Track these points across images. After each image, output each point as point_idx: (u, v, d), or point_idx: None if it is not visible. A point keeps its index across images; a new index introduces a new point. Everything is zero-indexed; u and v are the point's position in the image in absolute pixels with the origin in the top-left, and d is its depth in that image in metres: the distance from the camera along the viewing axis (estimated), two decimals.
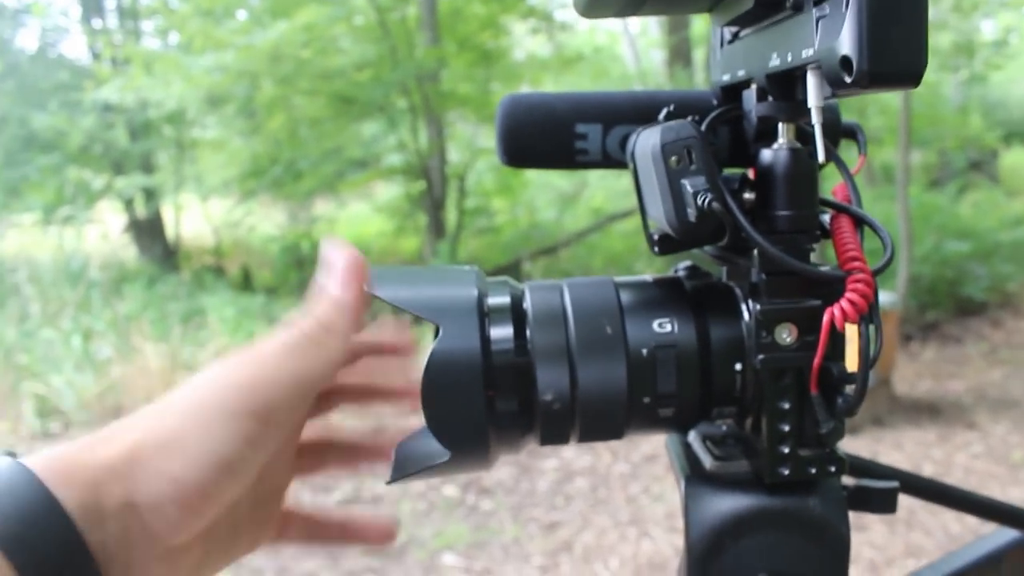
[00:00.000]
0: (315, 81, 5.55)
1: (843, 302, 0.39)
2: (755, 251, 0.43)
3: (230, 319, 5.28)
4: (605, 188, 7.81)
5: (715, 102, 0.49)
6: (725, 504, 0.45)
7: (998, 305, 5.73)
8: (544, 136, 0.49)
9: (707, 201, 0.39)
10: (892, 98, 5.41)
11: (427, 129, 6.05)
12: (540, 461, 3.53)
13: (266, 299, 6.05)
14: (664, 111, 0.47)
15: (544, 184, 7.67)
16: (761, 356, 0.43)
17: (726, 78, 0.47)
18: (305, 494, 3.06)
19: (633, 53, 8.86)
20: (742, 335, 0.45)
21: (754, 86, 0.44)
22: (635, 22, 9.41)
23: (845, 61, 0.33)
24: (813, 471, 0.44)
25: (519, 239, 6.99)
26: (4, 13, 8.63)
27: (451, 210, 6.41)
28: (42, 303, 5.53)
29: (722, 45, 0.48)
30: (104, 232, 8.25)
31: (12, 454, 0.35)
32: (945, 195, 7.39)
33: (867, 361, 0.40)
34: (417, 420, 0.44)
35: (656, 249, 0.46)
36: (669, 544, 2.81)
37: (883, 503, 0.52)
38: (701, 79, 6.24)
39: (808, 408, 0.43)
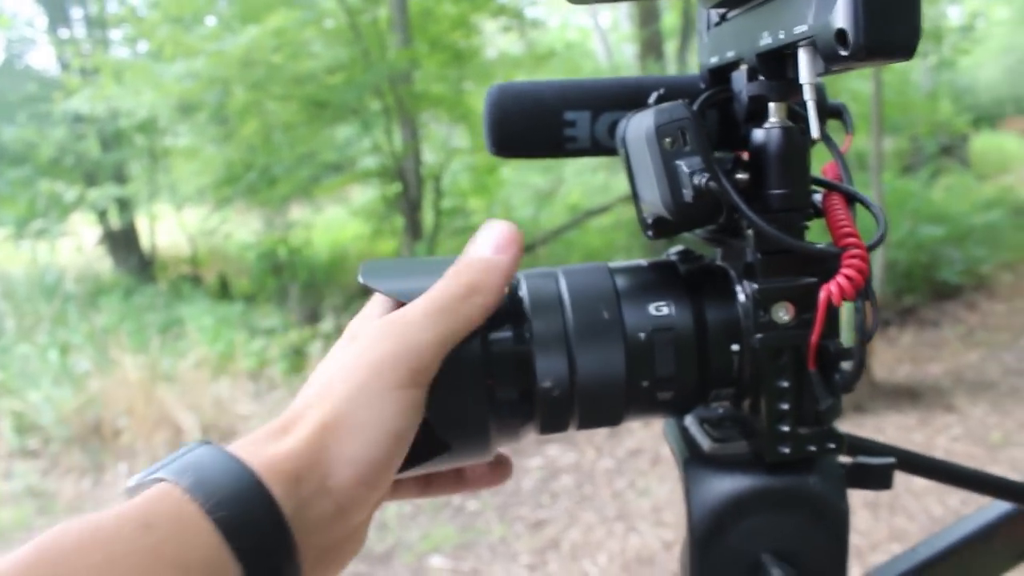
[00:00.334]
0: (287, 86, 5.51)
1: (839, 278, 0.39)
2: (749, 231, 0.43)
3: (209, 328, 5.24)
4: (581, 184, 7.82)
5: (703, 85, 0.49)
6: (725, 485, 0.46)
7: (973, 288, 5.79)
8: (533, 125, 0.49)
9: (704, 181, 0.39)
10: (863, 85, 5.46)
11: (401, 131, 6.03)
12: (524, 460, 3.53)
13: (245, 306, 6.02)
14: (655, 95, 0.47)
15: (520, 182, 7.67)
16: (759, 335, 0.43)
17: (714, 60, 0.47)
18: None
19: (605, 48, 8.89)
20: (738, 316, 0.45)
21: (744, 67, 0.44)
22: (606, 16, 9.44)
23: (841, 34, 0.33)
24: (813, 449, 0.44)
25: None
26: None
27: (428, 211, 6.39)
28: (17, 318, 5.47)
29: (709, 28, 0.48)
30: (78, 244, 8.17)
31: (208, 442, 0.37)
32: (918, 180, 7.46)
33: (864, 336, 0.40)
34: None
35: (650, 233, 0.46)
36: (656, 538, 2.82)
37: (880, 479, 0.52)
38: (673, 71, 6.26)
39: (806, 386, 0.43)
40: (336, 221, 8.71)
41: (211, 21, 6.14)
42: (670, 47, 6.75)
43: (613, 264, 0.48)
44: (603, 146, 0.49)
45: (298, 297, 6.01)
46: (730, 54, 0.45)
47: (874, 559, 2.61)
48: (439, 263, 0.45)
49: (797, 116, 0.43)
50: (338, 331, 3.60)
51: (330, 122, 6.00)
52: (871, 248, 0.41)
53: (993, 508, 0.67)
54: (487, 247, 0.44)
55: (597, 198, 7.25)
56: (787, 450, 0.44)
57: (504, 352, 0.44)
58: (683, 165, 0.40)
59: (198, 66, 5.10)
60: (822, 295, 0.40)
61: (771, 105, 0.43)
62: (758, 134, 0.43)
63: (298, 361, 4.76)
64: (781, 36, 0.38)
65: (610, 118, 0.49)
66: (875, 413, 3.78)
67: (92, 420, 3.99)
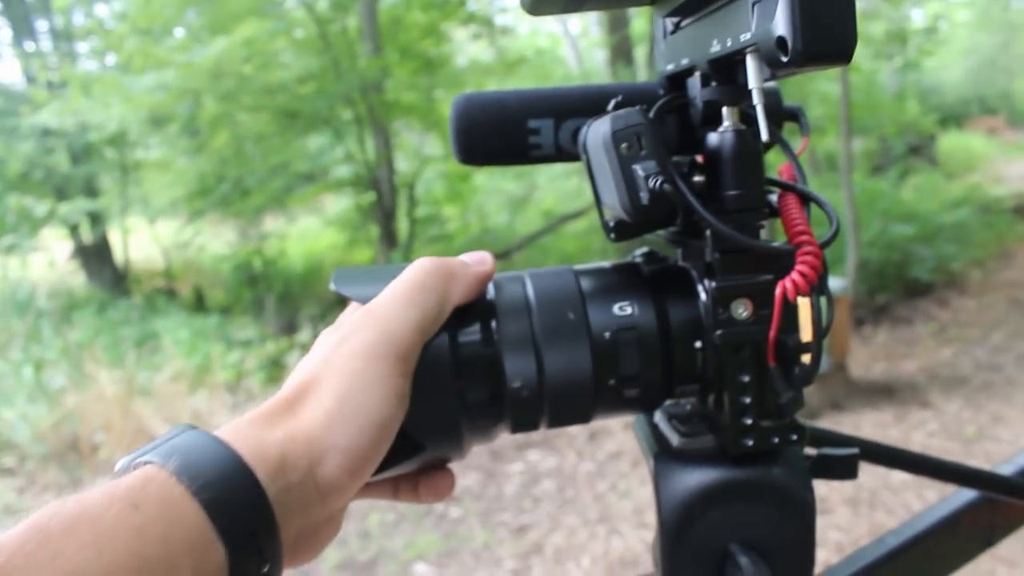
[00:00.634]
0: (258, 96, 5.49)
1: (794, 275, 0.41)
2: (708, 231, 0.44)
3: (185, 341, 5.21)
4: (555, 189, 7.85)
5: (661, 92, 0.51)
6: (693, 479, 0.47)
7: (944, 285, 5.87)
8: (498, 133, 0.50)
9: (658, 183, 0.41)
10: (832, 87, 5.52)
11: (374, 139, 6.03)
12: (506, 465, 3.54)
13: (220, 319, 5.99)
14: (613, 102, 0.48)
15: (494, 189, 7.69)
16: (719, 332, 0.44)
17: (670, 67, 0.49)
18: None
19: (575, 54, 8.92)
20: (700, 313, 0.46)
21: (698, 73, 0.46)
22: (576, 23, 9.47)
23: (781, 42, 0.34)
24: (776, 441, 0.46)
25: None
26: None
27: (402, 219, 6.39)
28: None
29: (665, 36, 0.49)
30: (50, 259, 8.09)
31: (193, 426, 0.38)
32: (887, 180, 7.55)
33: (820, 330, 0.42)
34: None
35: (612, 236, 0.47)
36: (639, 540, 2.84)
37: (845, 470, 0.54)
38: (643, 77, 6.29)
39: (767, 380, 0.45)
40: (311, 231, 8.69)
41: (180, 32, 6.10)
42: (640, 53, 6.78)
43: (578, 267, 0.49)
44: (567, 152, 0.51)
45: (274, 308, 5.99)
46: (684, 61, 0.46)
47: None
48: (393, 268, 0.47)
49: (751, 119, 0.44)
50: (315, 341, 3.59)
51: (302, 132, 5.99)
52: (824, 245, 0.42)
53: (958, 496, 0.69)
54: (464, 257, 0.47)
55: (571, 203, 7.28)
56: (751, 443, 0.45)
57: (473, 354, 0.45)
58: (639, 169, 0.42)
59: (168, 78, 5.07)
60: (778, 291, 0.41)
61: (724, 109, 0.44)
62: (712, 138, 0.44)
63: (276, 372, 4.74)
64: (729, 44, 0.39)
65: (573, 125, 0.50)
66: (852, 410, 3.82)
67: (69, 436, 3.95)
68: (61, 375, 4.55)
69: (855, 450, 0.54)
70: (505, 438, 3.63)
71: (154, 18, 5.56)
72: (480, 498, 3.27)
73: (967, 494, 0.68)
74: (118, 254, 8.12)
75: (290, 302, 6.27)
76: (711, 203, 0.44)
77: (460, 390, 0.45)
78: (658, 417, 0.52)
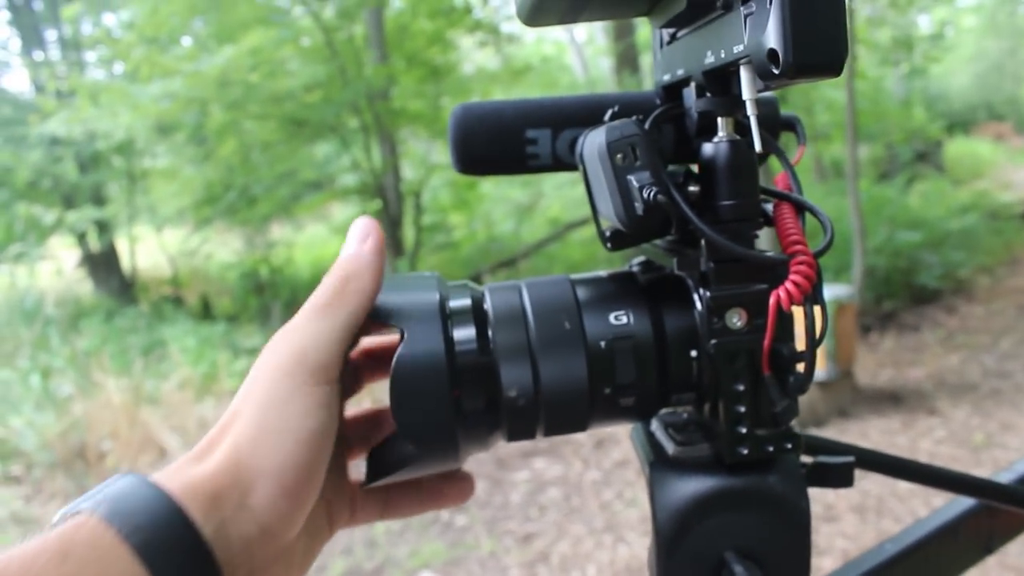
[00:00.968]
0: (265, 105, 5.52)
1: (787, 284, 0.41)
2: (703, 241, 0.45)
3: (192, 349, 5.23)
4: (561, 197, 7.85)
5: (658, 101, 0.51)
6: (689, 487, 0.47)
7: (951, 292, 5.85)
8: (496, 143, 0.51)
9: (653, 194, 0.41)
10: (838, 94, 5.51)
11: (380, 147, 6.05)
12: (512, 473, 3.53)
13: (227, 327, 6.00)
14: (609, 112, 0.48)
15: (500, 197, 7.70)
16: (714, 341, 0.45)
17: (666, 78, 0.49)
18: None
19: (581, 61, 8.94)
20: (695, 323, 0.46)
21: (693, 84, 0.46)
22: (581, 31, 9.50)
23: (772, 54, 0.35)
24: (771, 449, 0.46)
25: (478, 253, 7.01)
26: None
27: (408, 227, 6.40)
28: None
29: (662, 47, 0.50)
30: (58, 268, 8.13)
31: (130, 473, 0.37)
32: (894, 187, 7.53)
33: (813, 339, 0.42)
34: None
35: (608, 245, 0.48)
36: (645, 548, 2.81)
37: (840, 478, 0.54)
38: (649, 85, 6.28)
39: (762, 389, 0.45)
40: (317, 239, 8.71)
41: (187, 41, 6.13)
42: (646, 60, 6.79)
43: (575, 276, 0.49)
44: (564, 162, 0.51)
45: (281, 316, 6.00)
46: (680, 72, 0.47)
47: None
48: (391, 278, 0.47)
49: (746, 129, 0.44)
50: None
51: (309, 140, 6.01)
52: (818, 254, 0.42)
53: (957, 504, 0.68)
54: (352, 243, 0.46)
55: (577, 211, 7.28)
56: (746, 451, 0.46)
57: (469, 363, 0.45)
58: (634, 180, 0.42)
59: (175, 87, 5.10)
60: (772, 301, 0.42)
61: (719, 120, 0.44)
62: (707, 148, 0.45)
63: None
64: (722, 55, 0.40)
65: (570, 135, 0.51)
66: (859, 418, 3.81)
67: (76, 444, 3.96)
68: (68, 383, 4.57)
69: (851, 458, 0.54)
70: (511, 446, 3.62)
71: (161, 27, 5.60)
72: (486, 506, 3.27)
73: (966, 502, 0.68)
74: (125, 262, 8.15)
75: (296, 310, 6.28)
76: (706, 213, 0.44)
77: (456, 399, 0.45)
78: (654, 426, 0.53)
